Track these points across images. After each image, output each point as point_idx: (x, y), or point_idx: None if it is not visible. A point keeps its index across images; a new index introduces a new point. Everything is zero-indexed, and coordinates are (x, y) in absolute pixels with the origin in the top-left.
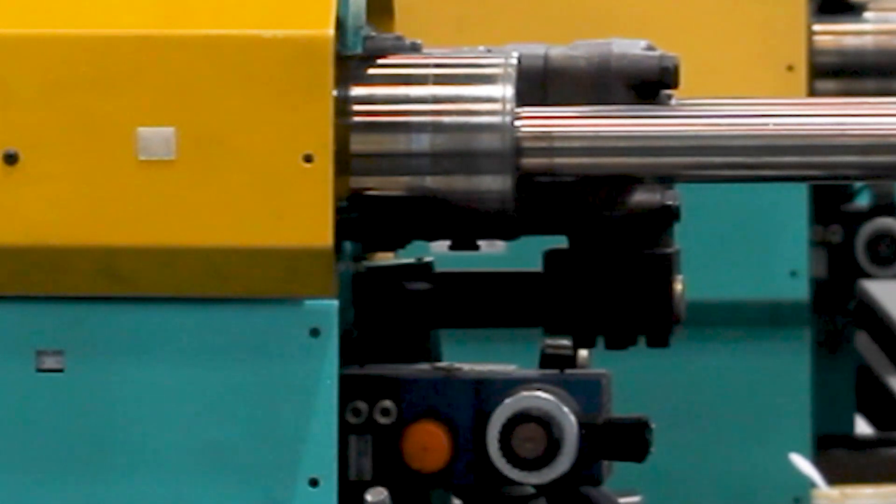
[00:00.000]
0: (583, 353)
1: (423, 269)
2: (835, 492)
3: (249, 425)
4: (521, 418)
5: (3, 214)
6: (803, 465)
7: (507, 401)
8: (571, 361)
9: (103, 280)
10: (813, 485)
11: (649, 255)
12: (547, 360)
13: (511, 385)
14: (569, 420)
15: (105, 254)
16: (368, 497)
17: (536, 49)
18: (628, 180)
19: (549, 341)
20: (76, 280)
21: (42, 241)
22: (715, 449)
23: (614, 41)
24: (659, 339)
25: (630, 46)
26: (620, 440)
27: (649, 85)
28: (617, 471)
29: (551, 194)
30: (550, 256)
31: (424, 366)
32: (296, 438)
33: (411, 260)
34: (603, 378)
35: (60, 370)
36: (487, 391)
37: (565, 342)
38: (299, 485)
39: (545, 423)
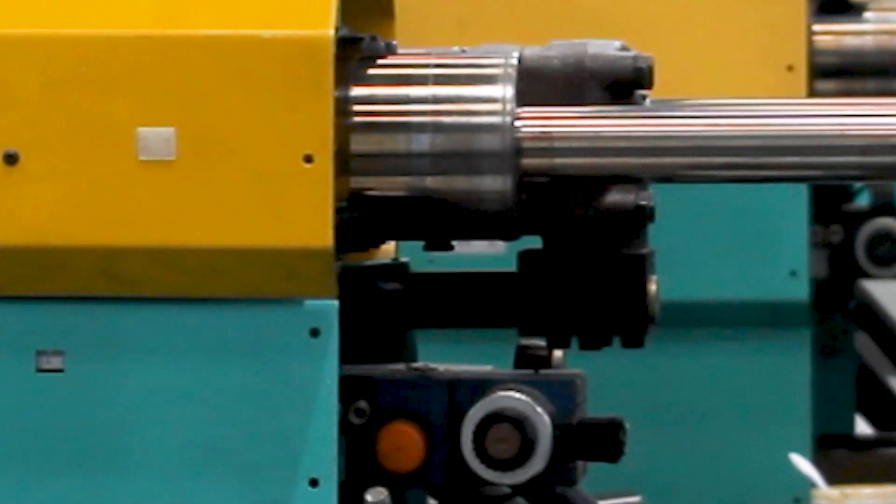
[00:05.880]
0: (557, 353)
1: (398, 270)
2: (835, 492)
3: (249, 425)
4: (495, 418)
5: (3, 214)
6: (803, 465)
7: (481, 401)
8: (546, 362)
9: (103, 280)
10: (813, 485)
11: (624, 256)
12: (521, 361)
13: (485, 385)
14: (542, 420)
15: (105, 254)
16: (368, 497)
17: (511, 49)
18: (620, 180)
19: (524, 341)
20: (76, 280)
21: (42, 241)
22: (715, 449)
23: (589, 41)
24: (633, 340)
25: (605, 47)
26: (594, 440)
27: (623, 85)
28: (616, 471)
29: (528, 194)
30: (525, 257)
31: (399, 366)
32: (296, 438)
33: (387, 260)
34: (577, 378)
35: (60, 370)
36: (462, 391)
37: (540, 342)
38: (299, 485)
39: (519, 423)
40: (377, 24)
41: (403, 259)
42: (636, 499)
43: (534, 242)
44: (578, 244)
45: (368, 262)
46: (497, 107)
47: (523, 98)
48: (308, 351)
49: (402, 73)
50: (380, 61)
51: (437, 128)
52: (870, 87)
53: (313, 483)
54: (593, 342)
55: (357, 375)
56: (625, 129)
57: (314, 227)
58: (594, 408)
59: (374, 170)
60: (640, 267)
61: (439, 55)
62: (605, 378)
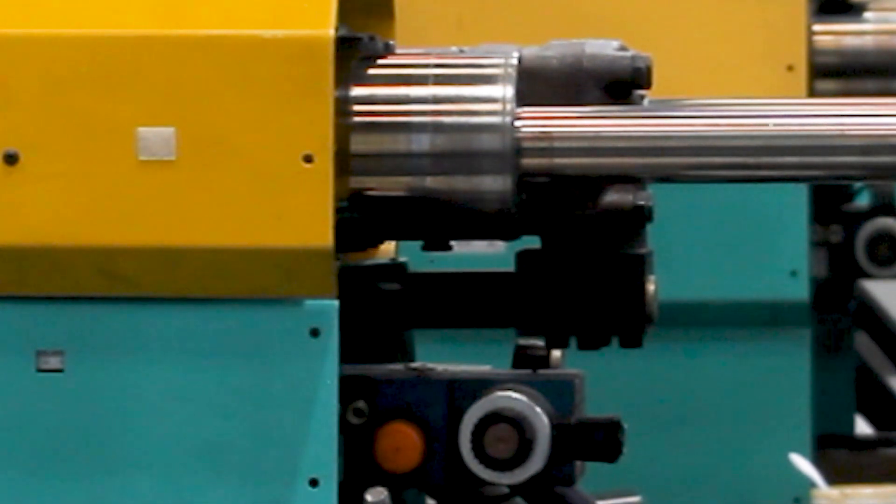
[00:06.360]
0: (556, 353)
1: (396, 270)
2: (835, 492)
3: (249, 425)
4: (494, 418)
5: (3, 214)
6: (803, 465)
7: (480, 401)
8: (544, 362)
9: (103, 280)
10: (813, 485)
11: (622, 256)
12: (520, 361)
13: (484, 385)
14: (541, 420)
15: (105, 254)
16: (368, 497)
17: (510, 49)
18: (621, 180)
19: (523, 341)
20: (76, 280)
21: (42, 241)
22: (715, 449)
23: (587, 41)
24: (631, 340)
25: (603, 47)
26: (593, 440)
27: (622, 85)
28: (616, 471)
29: (528, 194)
30: (523, 257)
31: (398, 366)
32: (296, 438)
33: (386, 260)
34: (576, 378)
35: (60, 370)
36: (460, 391)
37: (538, 342)
38: (299, 485)
39: (517, 423)
40: (377, 24)
41: (402, 259)
42: (636, 499)
43: (534, 242)
44: (577, 244)
45: (367, 262)
46: (497, 107)
47: (522, 98)
48: (308, 351)
49: (402, 73)
50: (380, 61)
51: (437, 128)
52: (870, 87)
53: (313, 483)
54: (592, 342)
55: (355, 375)
56: (625, 129)
57: (314, 227)
58: (593, 408)
59: (374, 170)
60: (638, 267)
61: (439, 55)
62: (603, 378)
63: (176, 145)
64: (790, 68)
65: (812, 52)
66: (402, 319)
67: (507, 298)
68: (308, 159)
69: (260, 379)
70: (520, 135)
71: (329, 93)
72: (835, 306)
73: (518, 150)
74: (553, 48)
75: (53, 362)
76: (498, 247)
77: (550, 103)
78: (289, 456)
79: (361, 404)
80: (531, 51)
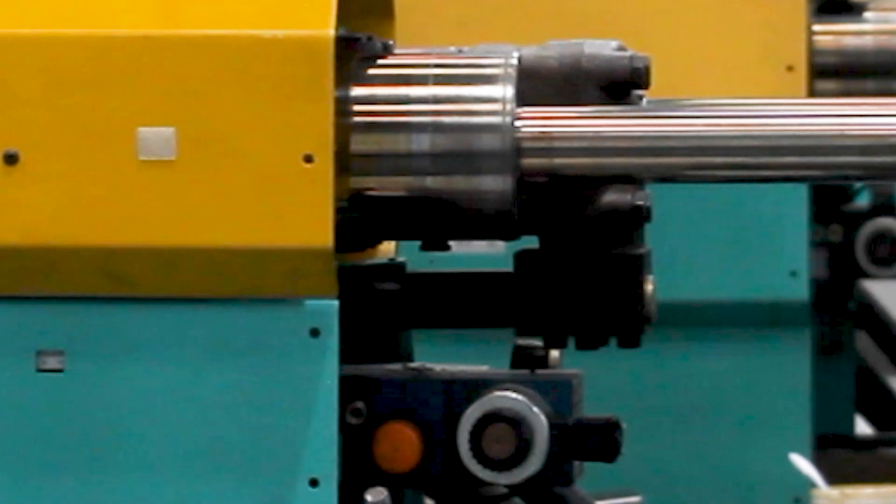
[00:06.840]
0: (554, 353)
1: (394, 270)
2: (835, 492)
3: (249, 425)
4: (492, 418)
5: (3, 214)
6: (803, 465)
7: (478, 401)
8: (543, 362)
9: (103, 280)
10: (813, 485)
11: (620, 256)
12: (518, 361)
13: (482, 385)
14: (539, 420)
15: (105, 254)
16: (368, 497)
17: (508, 49)
18: (621, 180)
19: (521, 341)
20: (76, 280)
21: (42, 241)
22: (715, 449)
23: (586, 41)
24: (630, 340)
25: (601, 47)
26: (591, 441)
27: (620, 85)
28: (617, 471)
29: (528, 194)
30: (521, 257)
31: (396, 366)
32: (296, 438)
33: (384, 260)
34: (574, 378)
35: (60, 370)
36: (458, 391)
37: (537, 342)
38: (299, 485)
39: (515, 423)
40: (377, 24)
41: (400, 259)
42: (636, 499)
43: (534, 242)
44: (575, 244)
45: (365, 262)
46: (497, 107)
47: (521, 98)
48: (308, 351)
49: (402, 73)
50: (380, 61)
51: (437, 128)
52: (870, 87)
53: (313, 483)
54: (590, 342)
55: (354, 375)
56: (625, 129)
57: (314, 227)
58: (592, 408)
59: (374, 170)
60: (636, 267)
61: (439, 55)
62: (602, 378)
63: (176, 145)
64: (790, 68)
65: (812, 52)
66: (400, 319)
67: (505, 298)
68: (308, 159)
69: (260, 379)
70: (520, 135)
71: (329, 93)
72: (835, 306)
73: (518, 150)
74: (552, 48)
75: (53, 362)
76: (498, 247)
77: (549, 103)
78: (289, 456)
79: (360, 404)
80: (530, 51)
